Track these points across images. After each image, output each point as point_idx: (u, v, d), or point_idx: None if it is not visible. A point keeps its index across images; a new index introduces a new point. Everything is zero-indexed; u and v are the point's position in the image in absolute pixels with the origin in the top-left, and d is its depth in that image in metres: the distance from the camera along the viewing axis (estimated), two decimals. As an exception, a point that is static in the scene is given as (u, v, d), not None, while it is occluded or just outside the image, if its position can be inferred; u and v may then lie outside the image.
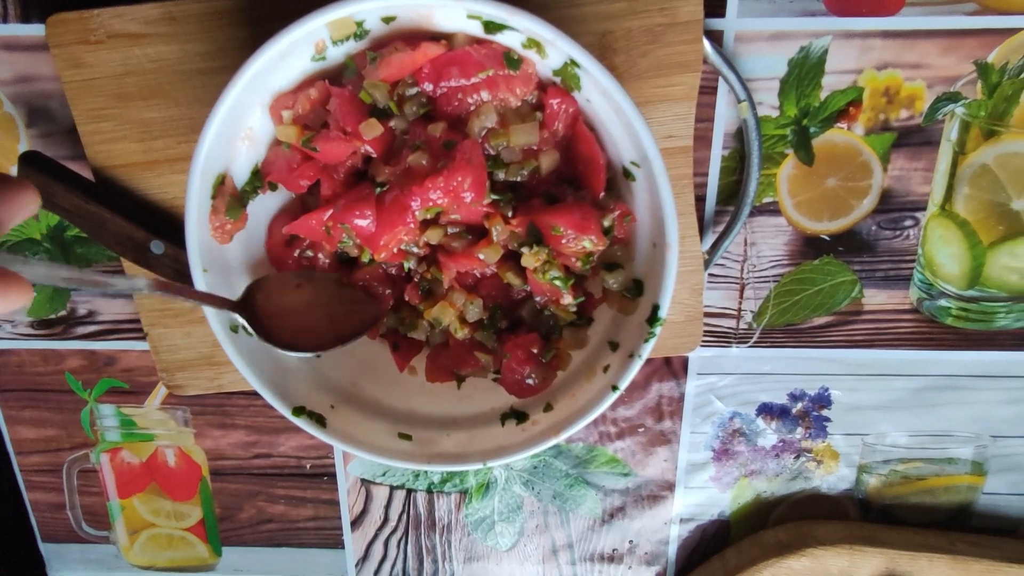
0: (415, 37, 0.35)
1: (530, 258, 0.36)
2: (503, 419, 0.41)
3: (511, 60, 0.35)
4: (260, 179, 0.39)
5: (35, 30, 0.44)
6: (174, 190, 0.45)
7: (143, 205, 0.45)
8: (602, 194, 0.37)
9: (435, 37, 0.35)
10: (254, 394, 0.53)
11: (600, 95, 0.35)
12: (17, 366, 0.53)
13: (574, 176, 0.38)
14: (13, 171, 0.47)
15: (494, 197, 0.36)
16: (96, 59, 0.42)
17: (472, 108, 0.36)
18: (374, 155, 0.36)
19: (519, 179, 0.37)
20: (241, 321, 0.37)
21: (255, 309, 0.37)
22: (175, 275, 0.45)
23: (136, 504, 0.57)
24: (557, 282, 0.37)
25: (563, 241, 0.36)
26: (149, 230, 0.45)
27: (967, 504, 0.55)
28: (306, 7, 0.39)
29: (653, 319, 0.37)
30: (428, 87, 0.35)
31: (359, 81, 0.36)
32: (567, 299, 0.38)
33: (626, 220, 0.38)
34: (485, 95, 0.35)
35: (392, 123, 0.36)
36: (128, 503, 0.57)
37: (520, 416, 0.41)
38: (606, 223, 0.37)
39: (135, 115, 0.43)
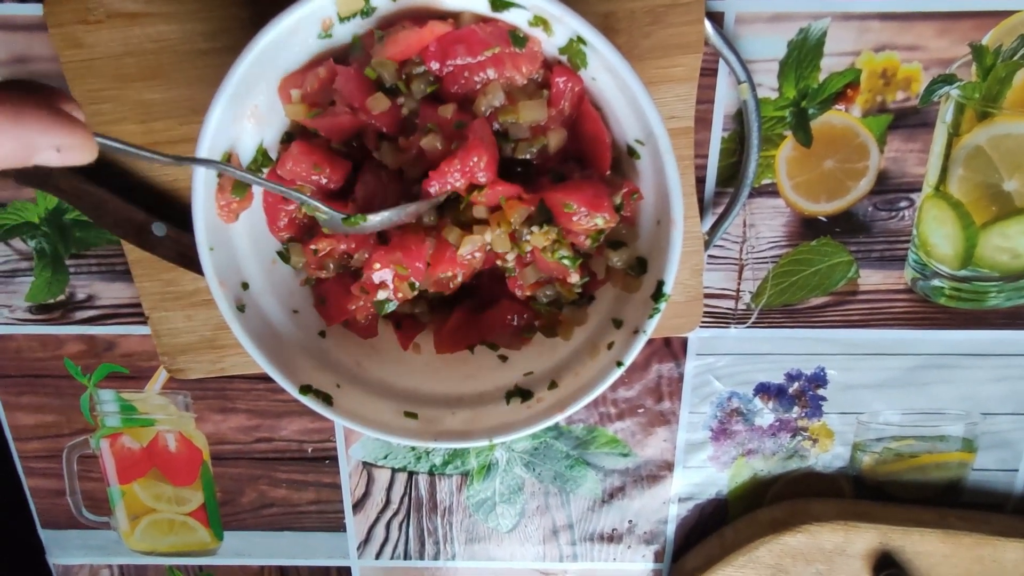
0: (422, 16, 0.35)
1: (539, 237, 0.37)
2: (508, 397, 0.42)
3: (517, 38, 0.35)
4: (267, 157, 0.39)
5: (32, 9, 0.43)
6: (175, 172, 0.45)
7: (143, 187, 0.45)
8: (608, 172, 0.38)
9: (442, 16, 0.35)
10: (255, 378, 0.54)
11: (606, 72, 0.36)
12: (15, 351, 0.52)
13: (579, 155, 0.39)
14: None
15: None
16: (95, 39, 0.42)
17: (479, 86, 0.36)
18: (383, 130, 0.36)
19: (528, 156, 0.37)
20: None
21: None
22: (177, 256, 0.45)
23: (137, 489, 0.57)
24: (565, 261, 0.37)
25: (575, 219, 0.36)
26: (150, 212, 0.45)
27: (957, 480, 0.56)
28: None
29: (658, 295, 0.38)
30: (435, 66, 0.36)
31: (365, 60, 0.36)
32: (574, 278, 0.38)
33: (633, 198, 0.38)
34: (491, 73, 0.35)
35: (400, 101, 0.36)
36: (128, 488, 0.57)
37: (525, 394, 0.42)
38: (616, 200, 0.37)
39: (135, 96, 0.43)
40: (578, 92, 0.37)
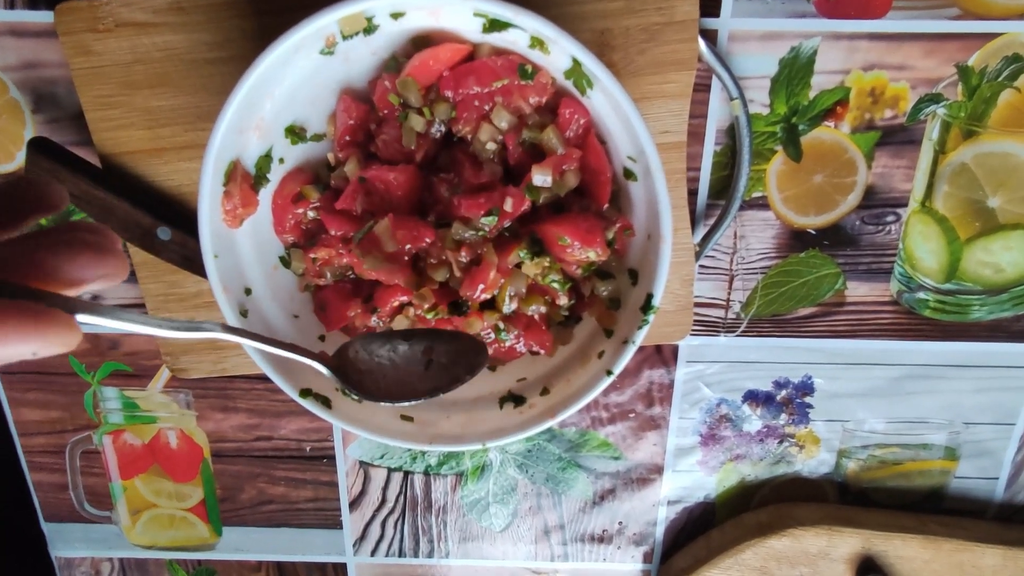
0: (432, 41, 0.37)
1: (532, 267, 0.38)
2: (501, 402, 0.43)
3: (524, 71, 0.37)
4: (268, 166, 0.40)
5: (42, 16, 0.44)
6: (180, 177, 0.46)
7: (150, 192, 0.46)
8: (606, 205, 0.39)
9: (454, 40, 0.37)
10: (256, 378, 0.55)
11: (600, 92, 0.37)
12: (21, 349, 0.54)
13: (580, 184, 0.40)
14: (20, 156, 0.48)
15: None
16: (104, 47, 0.43)
17: (487, 111, 0.37)
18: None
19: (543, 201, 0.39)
20: (332, 376, 0.36)
21: (346, 365, 0.36)
22: (182, 260, 0.46)
23: (138, 485, 0.58)
24: (555, 284, 0.39)
25: (568, 251, 0.38)
26: (156, 216, 0.46)
27: (939, 487, 0.58)
28: (311, -1, 0.40)
29: (647, 307, 0.39)
30: (449, 94, 0.37)
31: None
32: (563, 300, 0.40)
33: (626, 233, 0.39)
34: (500, 100, 0.37)
35: (432, 131, 0.38)
36: (130, 484, 0.58)
37: (518, 399, 0.43)
38: (609, 235, 0.38)
39: (142, 103, 0.44)
40: (584, 125, 0.38)
